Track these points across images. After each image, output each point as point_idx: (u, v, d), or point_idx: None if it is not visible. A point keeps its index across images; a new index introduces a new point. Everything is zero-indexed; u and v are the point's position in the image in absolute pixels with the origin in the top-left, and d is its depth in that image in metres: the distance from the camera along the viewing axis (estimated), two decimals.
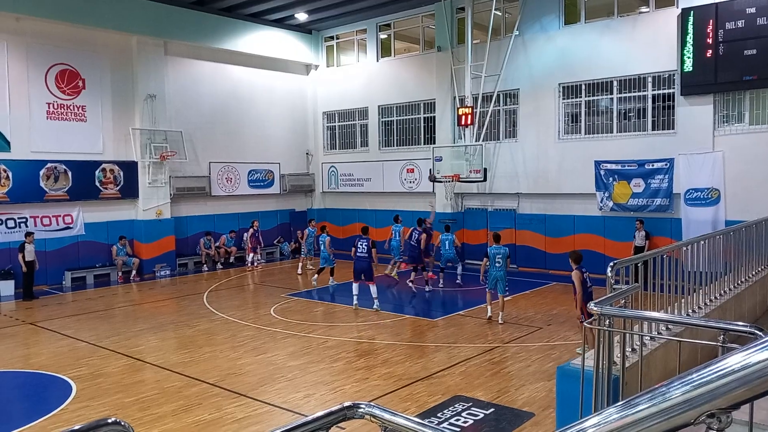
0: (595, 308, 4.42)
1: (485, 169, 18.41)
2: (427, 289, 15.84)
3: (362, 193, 23.26)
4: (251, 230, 20.57)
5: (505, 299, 12.44)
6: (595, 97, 17.52)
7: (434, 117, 20.97)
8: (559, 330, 11.64)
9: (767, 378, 1.11)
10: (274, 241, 23.05)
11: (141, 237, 19.17)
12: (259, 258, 20.79)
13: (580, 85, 17.69)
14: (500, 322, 12.13)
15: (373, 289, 13.41)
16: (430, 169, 19.69)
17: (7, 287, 16.18)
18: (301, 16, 22.01)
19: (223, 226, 21.30)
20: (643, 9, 16.87)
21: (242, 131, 22.34)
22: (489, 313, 12.50)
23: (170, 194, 19.87)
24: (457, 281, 16.46)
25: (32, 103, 17.15)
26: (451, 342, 10.98)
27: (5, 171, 16.51)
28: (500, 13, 19.26)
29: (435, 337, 11.42)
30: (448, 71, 20.02)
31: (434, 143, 20.40)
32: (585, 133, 17.74)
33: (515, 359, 9.88)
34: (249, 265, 20.25)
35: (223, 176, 21.65)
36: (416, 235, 16.09)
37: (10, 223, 16.73)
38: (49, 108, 17.52)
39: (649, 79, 16.45)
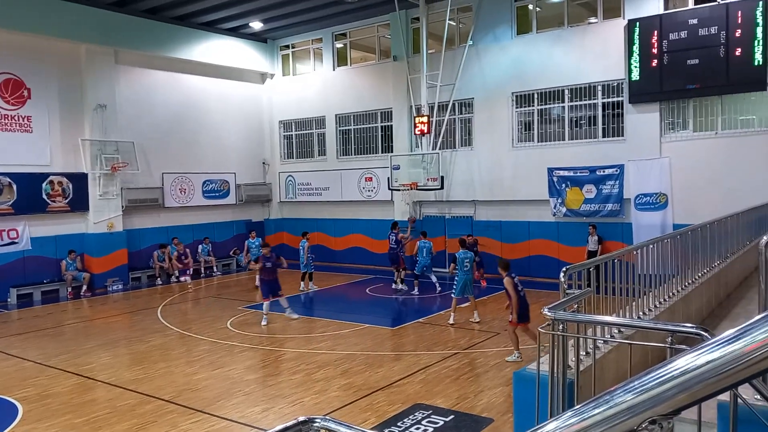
0: (549, 313, 4.48)
1: (442, 177, 18.58)
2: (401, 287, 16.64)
3: (321, 202, 23.16)
4: (176, 251, 20.21)
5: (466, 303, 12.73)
6: (548, 106, 17.91)
7: (391, 126, 21.07)
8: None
9: (707, 383, 1.13)
10: (230, 252, 22.65)
11: (92, 251, 18.57)
12: (188, 279, 20.12)
13: (533, 94, 18.06)
14: (476, 320, 12.74)
15: (283, 301, 13.70)
16: (388, 178, 19.74)
17: None
18: (256, 25, 21.84)
19: (179, 239, 20.82)
20: (592, 20, 17.38)
21: (197, 141, 21.97)
22: (452, 320, 12.60)
23: (122, 206, 19.34)
24: (438, 289, 16.36)
25: None
26: (411, 350, 10.99)
27: None
28: (454, 23, 19.54)
29: (394, 346, 11.42)
30: (404, 80, 20.17)
31: (392, 152, 20.49)
32: (538, 141, 18.11)
33: (474, 365, 9.96)
34: (179, 279, 19.96)
35: (176, 187, 21.21)
36: (393, 237, 16.97)
37: None
38: None
39: (599, 88, 16.92)
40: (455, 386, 8.93)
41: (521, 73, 18.07)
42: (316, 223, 23.27)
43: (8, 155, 17.05)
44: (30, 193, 17.40)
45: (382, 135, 21.66)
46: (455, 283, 12.71)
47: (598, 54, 16.76)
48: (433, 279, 16.48)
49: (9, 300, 16.82)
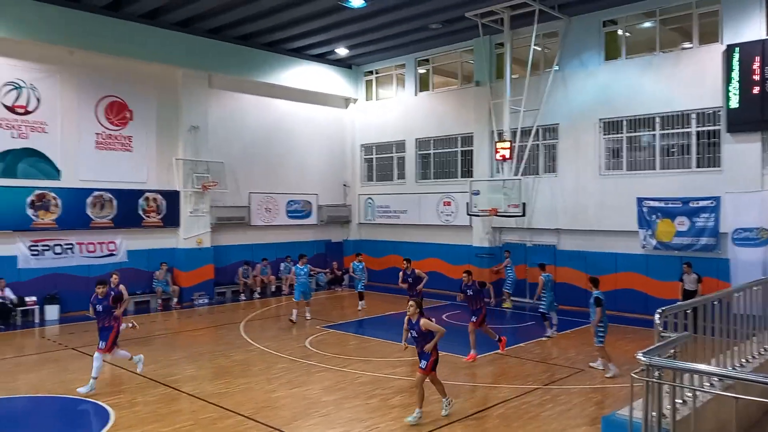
0: (644, 359, 4.27)
1: (524, 204, 18.21)
2: None
3: (399, 225, 23.27)
4: (267, 272, 20.84)
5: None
6: (637, 133, 17.27)
7: (472, 150, 20.96)
8: (601, 372, 11.28)
9: None
10: (310, 273, 23.07)
11: (181, 265, 19.50)
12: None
13: (622, 121, 17.48)
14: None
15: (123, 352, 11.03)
16: (468, 203, 19.58)
17: (52, 311, 16.61)
18: (342, 52, 22.45)
19: (261, 256, 21.52)
20: (686, 45, 16.67)
21: (282, 162, 22.72)
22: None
23: (211, 223, 20.24)
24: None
25: (82, 133, 17.79)
26: (489, 382, 10.74)
27: (55, 198, 17.08)
28: (539, 49, 19.29)
29: (472, 376, 11.20)
30: (486, 105, 20.05)
31: (472, 177, 20.35)
32: (627, 169, 17.45)
33: (556, 402, 9.59)
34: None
35: (262, 206, 21.98)
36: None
37: (58, 249, 17.24)
38: (97, 138, 18.15)
39: (693, 116, 16.15)
40: (535, 423, 8.63)
41: (609, 100, 17.55)
42: (393, 245, 23.38)
43: (110, 172, 18.27)
44: (128, 208, 18.53)
45: (462, 159, 21.57)
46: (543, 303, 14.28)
47: (691, 81, 16.04)
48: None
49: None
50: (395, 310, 18.20)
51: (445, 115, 21.83)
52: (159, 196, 19.31)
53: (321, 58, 23.16)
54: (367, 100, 24.70)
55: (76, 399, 9.82)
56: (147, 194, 19.06)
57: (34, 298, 16.47)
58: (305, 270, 16.71)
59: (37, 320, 16.35)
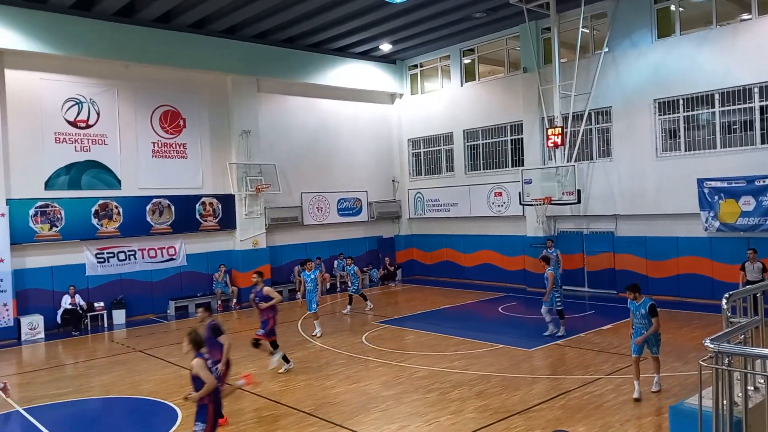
0: (712, 345, 4.10)
1: (578, 191, 17.78)
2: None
3: (449, 218, 23.13)
4: (319, 270, 20.94)
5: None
6: (695, 112, 16.59)
7: (522, 139, 20.62)
8: (665, 360, 10.88)
9: None
10: (363, 269, 23.31)
11: (239, 266, 20.00)
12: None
13: (678, 100, 16.82)
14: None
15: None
16: (520, 193, 19.28)
17: (119, 316, 17.32)
18: (385, 47, 22.46)
19: (315, 255, 21.79)
20: (745, 16, 15.88)
21: (331, 161, 22.95)
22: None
23: (265, 224, 20.66)
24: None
25: (139, 143, 18.45)
26: (549, 373, 10.57)
27: (116, 207, 17.78)
28: (588, 31, 18.77)
29: (532, 368, 11.03)
30: (535, 92, 19.68)
31: (523, 165, 20.02)
32: (685, 150, 16.79)
33: (619, 392, 9.35)
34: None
35: (314, 206, 22.27)
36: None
37: (121, 256, 17.95)
38: (154, 147, 18.78)
39: (756, 90, 15.38)
40: (599, 414, 8.43)
41: (663, 79, 16.92)
42: (444, 239, 23.29)
43: (167, 179, 18.89)
44: (185, 213, 19.11)
45: (512, 149, 21.24)
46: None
47: (752, 53, 15.27)
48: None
49: (168, 311, 18.52)
50: (450, 303, 18.15)
51: (493, 105, 21.54)
52: (215, 200, 19.83)
53: (365, 56, 23.23)
54: (412, 94, 24.63)
55: (146, 399, 10.21)
56: (203, 199, 19.61)
57: (102, 304, 17.22)
58: (312, 276, 14.53)
59: (105, 325, 17.09)
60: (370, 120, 24.23)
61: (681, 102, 16.76)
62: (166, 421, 9.03)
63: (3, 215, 15.60)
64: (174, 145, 19.23)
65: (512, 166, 20.97)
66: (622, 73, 17.87)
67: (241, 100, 20.41)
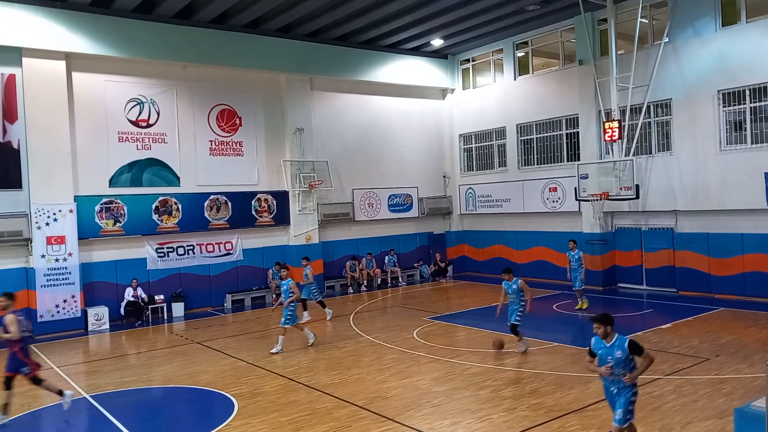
0: None
1: (637, 186, 17.25)
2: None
3: (502, 214, 22.85)
4: (372, 265, 21.15)
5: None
6: (763, 103, 15.81)
7: (578, 133, 20.16)
8: (729, 362, 10.51)
9: None
10: (414, 264, 23.38)
11: (292, 261, 20.30)
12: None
13: (743, 91, 16.08)
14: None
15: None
16: (575, 188, 18.85)
17: (178, 308, 17.93)
18: (437, 43, 22.36)
19: (366, 250, 22.00)
20: None
21: (382, 158, 23.04)
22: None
23: (318, 220, 20.94)
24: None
25: (197, 142, 19.01)
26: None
27: (176, 204, 18.39)
28: (647, 21, 18.16)
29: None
30: (591, 85, 19.20)
31: (579, 160, 19.57)
32: (752, 143, 16.04)
33: (679, 393, 9.04)
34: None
35: (365, 202, 22.43)
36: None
37: (180, 251, 18.57)
38: (211, 145, 19.31)
39: None
40: (657, 415, 8.19)
41: (728, 69, 16.21)
42: (497, 235, 23.04)
43: (224, 176, 19.40)
44: (241, 209, 19.59)
45: (567, 143, 20.79)
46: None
47: None
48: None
49: (225, 305, 19.04)
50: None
51: (548, 98, 21.13)
52: (270, 197, 20.24)
53: (416, 51, 23.19)
54: (464, 89, 24.44)
55: (204, 389, 10.54)
56: (258, 195, 20.04)
57: (162, 297, 17.86)
58: (286, 286, 13.06)
59: (165, 317, 17.72)
60: (421, 116, 24.19)
61: (747, 92, 16.02)
62: (224, 411, 9.29)
63: (71, 211, 16.39)
64: (230, 143, 19.72)
65: (568, 161, 20.53)
66: (683, 64, 17.21)
67: (294, 98, 20.74)
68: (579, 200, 19.03)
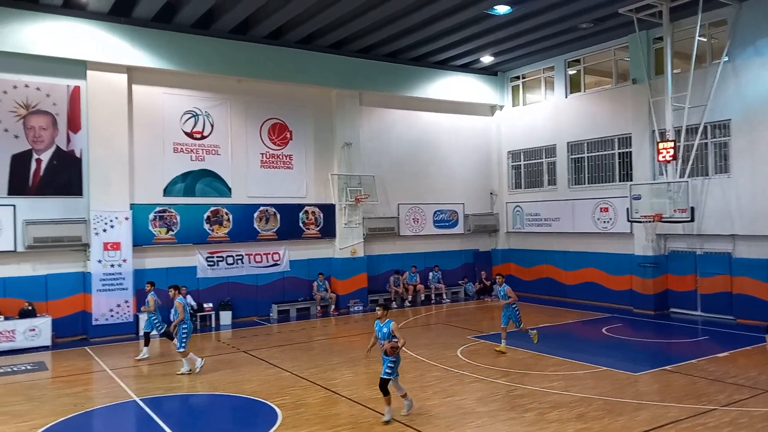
0: None
1: (692, 208, 16.71)
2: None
3: (550, 233, 22.46)
4: (416, 279, 21.13)
5: None
6: None
7: (630, 152, 19.71)
8: None
9: None
10: (459, 282, 23.19)
11: (337, 274, 20.52)
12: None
13: None
14: None
15: None
16: (627, 209, 18.40)
17: (226, 317, 18.26)
18: (487, 59, 22.32)
19: (411, 264, 21.95)
20: None
21: (429, 173, 23.05)
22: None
23: (363, 234, 21.06)
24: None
25: (249, 154, 19.44)
26: (657, 400, 9.97)
27: (227, 214, 18.81)
28: (705, 39, 17.68)
29: (637, 393, 10.45)
30: (645, 104, 18.78)
31: (631, 180, 19.11)
32: None
33: (735, 425, 8.65)
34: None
35: (410, 217, 22.44)
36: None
37: (230, 260, 18.96)
38: (262, 158, 19.72)
39: None
40: None
41: None
42: (545, 254, 22.65)
43: (274, 188, 19.76)
44: (289, 221, 19.89)
45: (619, 162, 20.35)
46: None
47: None
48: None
49: (271, 315, 19.30)
50: (550, 321, 17.61)
51: (600, 116, 20.77)
52: (317, 209, 20.50)
53: (466, 68, 23.20)
54: (513, 105, 24.27)
55: (248, 398, 10.67)
56: (306, 208, 20.32)
57: (210, 305, 18.23)
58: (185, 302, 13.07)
59: (213, 325, 18.06)
60: (469, 132, 24.12)
61: None
62: (268, 421, 9.38)
63: (127, 219, 16.96)
64: (281, 156, 20.09)
65: (620, 181, 20.07)
66: (743, 84, 16.66)
67: (344, 113, 21.01)
68: (631, 221, 18.55)
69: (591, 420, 9.02)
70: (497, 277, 15.02)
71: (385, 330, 9.43)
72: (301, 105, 20.48)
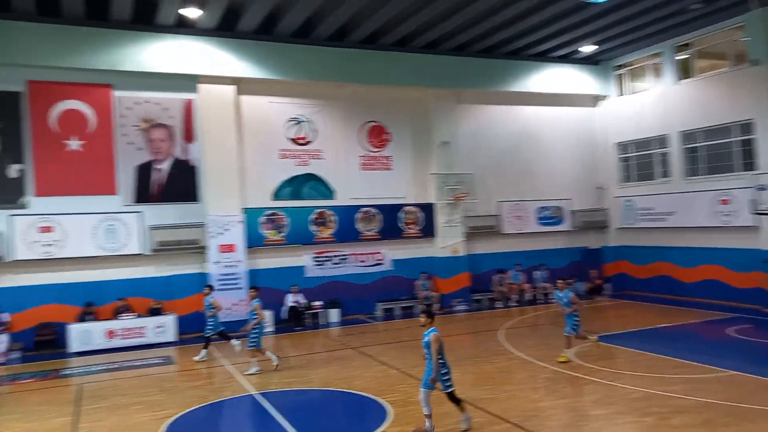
0: None
1: None
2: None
3: (665, 228, 21.22)
4: (520, 278, 20.59)
5: None
6: None
7: (752, 139, 18.26)
8: None
9: None
10: (567, 280, 22.35)
11: (439, 273, 20.56)
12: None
13: None
14: None
15: None
16: (751, 200, 17.03)
17: (334, 314, 18.90)
18: (588, 49, 21.48)
19: (515, 262, 21.53)
20: None
21: (530, 169, 22.53)
22: None
23: (464, 233, 20.93)
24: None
25: (349, 157, 19.96)
26: None
27: (331, 215, 19.40)
28: None
29: None
30: (766, 87, 17.30)
31: (754, 170, 17.69)
32: None
33: None
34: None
35: (512, 214, 22.03)
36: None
37: (335, 260, 19.57)
38: (362, 160, 20.17)
39: None
40: None
41: None
42: (660, 251, 21.46)
43: (374, 190, 20.15)
44: (390, 221, 20.21)
45: (741, 151, 18.88)
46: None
47: None
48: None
49: (376, 312, 19.67)
50: (668, 322, 16.65)
51: (715, 103, 19.39)
52: (417, 209, 20.65)
53: (565, 59, 22.45)
54: (618, 95, 23.18)
55: (359, 395, 10.92)
56: (406, 208, 20.54)
57: (320, 303, 18.88)
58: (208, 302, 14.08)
59: (322, 322, 18.67)
60: (571, 125, 23.34)
61: None
62: (379, 417, 9.55)
63: (240, 222, 17.93)
64: (380, 158, 20.43)
65: (742, 170, 18.63)
66: None
67: (441, 112, 21.01)
68: (756, 213, 17.15)
69: (718, 426, 8.45)
70: (558, 281, 13.65)
71: (426, 339, 8.81)
72: (399, 106, 20.71)
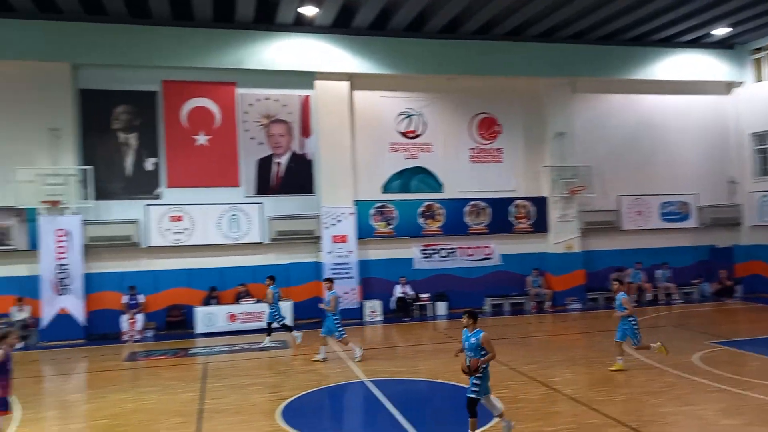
0: None
1: None
2: None
3: None
4: (641, 277, 19.45)
5: None
6: None
7: None
8: None
9: None
10: (692, 281, 20.96)
11: (552, 269, 19.92)
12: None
13: None
14: None
15: None
16: None
17: (442, 307, 18.95)
18: (720, 32, 19.85)
19: (635, 261, 20.41)
20: None
21: (653, 162, 21.23)
22: None
23: (579, 228, 20.12)
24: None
25: (458, 150, 19.84)
26: None
27: (439, 209, 19.41)
28: None
29: None
30: None
31: None
32: None
33: None
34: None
35: (632, 210, 20.87)
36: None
37: (443, 253, 19.57)
38: (471, 152, 19.97)
39: None
40: None
41: None
42: None
43: (483, 183, 19.89)
44: (500, 215, 19.89)
45: None
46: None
47: None
48: None
49: (484, 307, 19.46)
50: None
51: None
52: (528, 203, 20.14)
53: (695, 44, 20.89)
54: (756, 81, 21.20)
55: (465, 388, 10.85)
56: (516, 201, 20.08)
57: (427, 295, 18.98)
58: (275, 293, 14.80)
59: (429, 314, 18.76)
60: (699, 114, 21.71)
61: None
62: (487, 413, 9.42)
63: (352, 214, 18.44)
64: (490, 150, 20.12)
65: None
66: None
67: (555, 102, 20.32)
68: None
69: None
70: (614, 283, 12.35)
71: (473, 340, 8.30)
72: (510, 97, 20.28)
